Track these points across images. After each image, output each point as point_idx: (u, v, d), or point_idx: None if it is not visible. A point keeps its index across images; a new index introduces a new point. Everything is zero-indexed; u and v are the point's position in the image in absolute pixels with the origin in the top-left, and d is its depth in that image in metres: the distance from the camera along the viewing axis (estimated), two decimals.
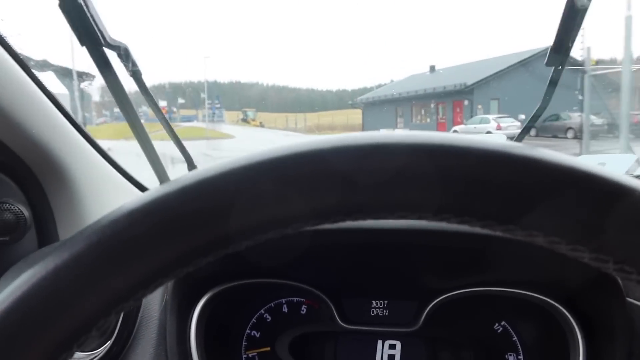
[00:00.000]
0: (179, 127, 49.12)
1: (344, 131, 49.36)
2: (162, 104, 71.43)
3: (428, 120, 32.56)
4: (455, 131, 24.76)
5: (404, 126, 34.72)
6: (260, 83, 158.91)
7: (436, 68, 38.13)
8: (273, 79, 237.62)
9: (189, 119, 65.68)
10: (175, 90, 70.96)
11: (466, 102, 27.83)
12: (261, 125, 60.89)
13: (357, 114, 67.47)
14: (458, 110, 29.00)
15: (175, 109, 69.44)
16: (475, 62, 32.02)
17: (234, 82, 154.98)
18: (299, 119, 66.60)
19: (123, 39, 0.75)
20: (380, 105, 37.05)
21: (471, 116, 27.51)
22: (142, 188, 1.22)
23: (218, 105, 60.85)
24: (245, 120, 61.21)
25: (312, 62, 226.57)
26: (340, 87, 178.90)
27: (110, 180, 1.10)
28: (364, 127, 42.11)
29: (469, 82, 27.02)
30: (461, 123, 28.36)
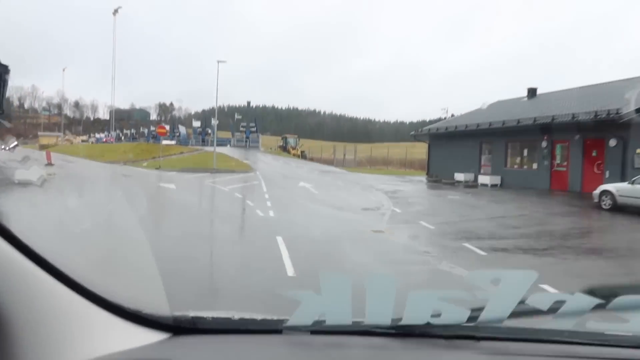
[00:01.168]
0: (195, 152, 40.44)
1: (400, 167, 37.75)
2: (196, 124, 63.85)
3: (535, 165, 21.14)
4: (606, 193, 13.97)
5: (493, 171, 23.93)
6: (317, 111, 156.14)
7: (538, 92, 27.37)
8: (331, 107, 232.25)
9: (221, 142, 57.80)
10: (211, 112, 63.30)
11: (613, 142, 16.96)
12: (302, 155, 50.19)
13: (419, 148, 57.01)
14: (595, 153, 18.15)
15: (209, 130, 61.99)
16: (620, 81, 20.84)
17: (291, 109, 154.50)
18: (349, 149, 57.08)
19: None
20: (455, 139, 26.69)
21: (623, 163, 16.71)
22: (118, 309, 1.02)
23: (254, 129, 52.46)
24: (284, 149, 51.26)
25: (370, 91, 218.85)
26: (399, 119, 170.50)
27: (68, 310, 0.93)
28: (430, 166, 31.83)
29: (625, 109, 16.09)
30: (600, 173, 17.57)
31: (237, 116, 52.74)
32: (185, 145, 62.04)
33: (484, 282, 1.03)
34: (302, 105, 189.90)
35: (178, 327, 1.10)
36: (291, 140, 51.43)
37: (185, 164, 28.55)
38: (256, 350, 1.05)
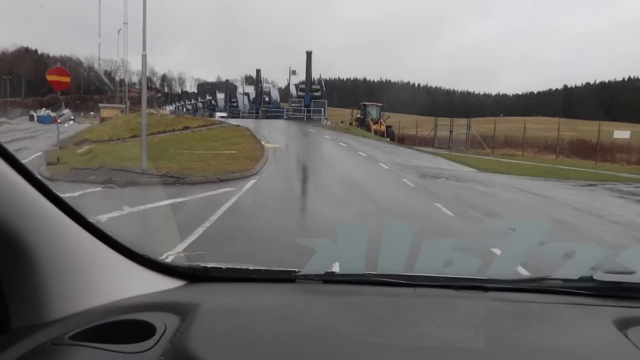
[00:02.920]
0: (203, 128, 24.33)
1: (542, 152, 20.16)
2: (248, 89, 48.82)
3: None
4: None
5: None
6: (411, 83, 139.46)
7: None
8: (426, 79, 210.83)
9: (277, 114, 41.71)
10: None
11: None
12: (388, 132, 30.47)
13: (537, 124, 39.41)
14: None
15: (267, 99, 46.66)
16: None
17: (383, 81, 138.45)
18: (459, 126, 38.50)
19: None
20: None
21: None
22: (136, 257, 1.04)
23: (317, 94, 35.20)
24: (362, 122, 32.97)
25: (476, 61, 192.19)
26: (501, 92, 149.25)
27: (91, 255, 0.94)
28: None
29: None
30: None
31: (291, 74, 36.01)
32: (237, 116, 47.58)
33: (498, 231, 1.00)
34: (395, 78, 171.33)
35: (193, 275, 1.11)
36: (372, 110, 34.06)
37: (129, 155, 13.02)
38: (268, 296, 1.05)
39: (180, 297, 1.01)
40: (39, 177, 0.81)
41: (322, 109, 33.59)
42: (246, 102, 49.15)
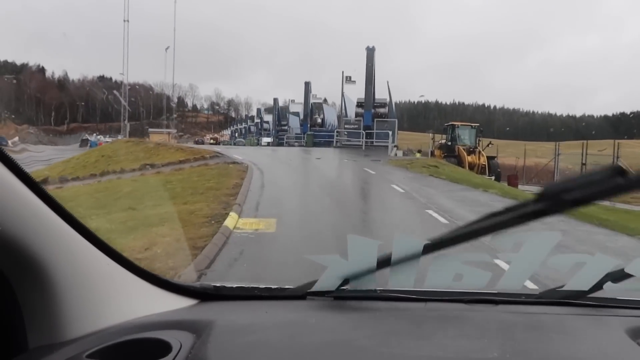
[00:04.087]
0: (195, 166, 14.07)
1: None
2: (294, 109, 38.86)
3: None
4: None
5: None
6: (486, 105, 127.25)
7: None
8: (502, 101, 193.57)
9: (327, 139, 30.85)
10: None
11: None
12: (490, 166, 17.00)
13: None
14: None
15: (319, 120, 36.13)
16: None
17: (456, 104, 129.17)
18: (568, 154, 24.25)
19: None
20: None
21: None
22: (148, 276, 1.05)
23: (383, 110, 23.33)
24: (449, 150, 20.53)
25: (562, 80, 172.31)
26: (586, 113, 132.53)
27: (104, 274, 0.95)
28: None
29: None
30: None
31: (345, 81, 25.19)
32: (282, 143, 37.83)
33: (507, 244, 1.00)
34: (469, 100, 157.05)
35: (205, 294, 1.12)
36: (464, 134, 22.56)
37: None
38: (280, 312, 1.05)
39: (194, 315, 1.01)
40: (50, 194, 0.80)
41: (390, 133, 22.62)
42: (296, 124, 39.44)
